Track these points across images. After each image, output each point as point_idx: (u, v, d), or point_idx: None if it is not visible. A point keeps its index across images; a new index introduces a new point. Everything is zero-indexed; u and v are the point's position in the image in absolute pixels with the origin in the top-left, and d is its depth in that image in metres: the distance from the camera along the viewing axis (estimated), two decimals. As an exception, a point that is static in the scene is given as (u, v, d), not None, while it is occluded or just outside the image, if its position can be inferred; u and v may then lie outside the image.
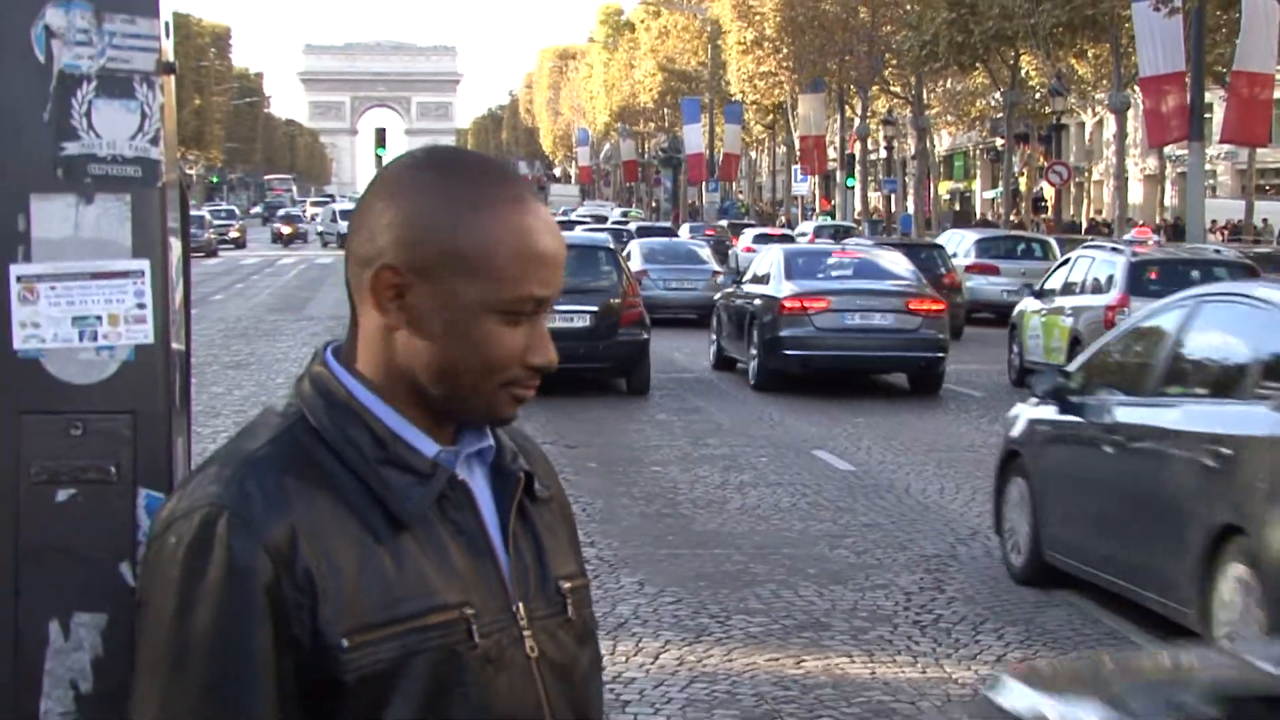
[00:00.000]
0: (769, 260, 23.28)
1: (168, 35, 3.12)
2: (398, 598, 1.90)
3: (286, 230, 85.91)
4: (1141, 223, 53.12)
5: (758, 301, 21.61)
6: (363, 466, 1.93)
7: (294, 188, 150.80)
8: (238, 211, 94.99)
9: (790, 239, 44.66)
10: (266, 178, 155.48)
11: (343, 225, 76.85)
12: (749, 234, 51.10)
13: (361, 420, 1.96)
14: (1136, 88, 41.16)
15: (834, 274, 22.21)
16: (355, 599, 1.87)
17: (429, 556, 1.93)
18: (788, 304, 20.84)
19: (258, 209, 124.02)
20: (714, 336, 24.37)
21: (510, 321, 1.94)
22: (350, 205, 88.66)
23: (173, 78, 3.15)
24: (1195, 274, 19.64)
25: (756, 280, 22.88)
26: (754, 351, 21.26)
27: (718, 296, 25.57)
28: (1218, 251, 25.89)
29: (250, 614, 1.84)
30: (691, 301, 31.02)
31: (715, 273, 32.45)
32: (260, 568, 1.84)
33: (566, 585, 2.08)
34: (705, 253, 35.66)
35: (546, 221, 1.97)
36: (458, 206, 1.94)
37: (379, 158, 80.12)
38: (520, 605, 2.00)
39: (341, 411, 1.96)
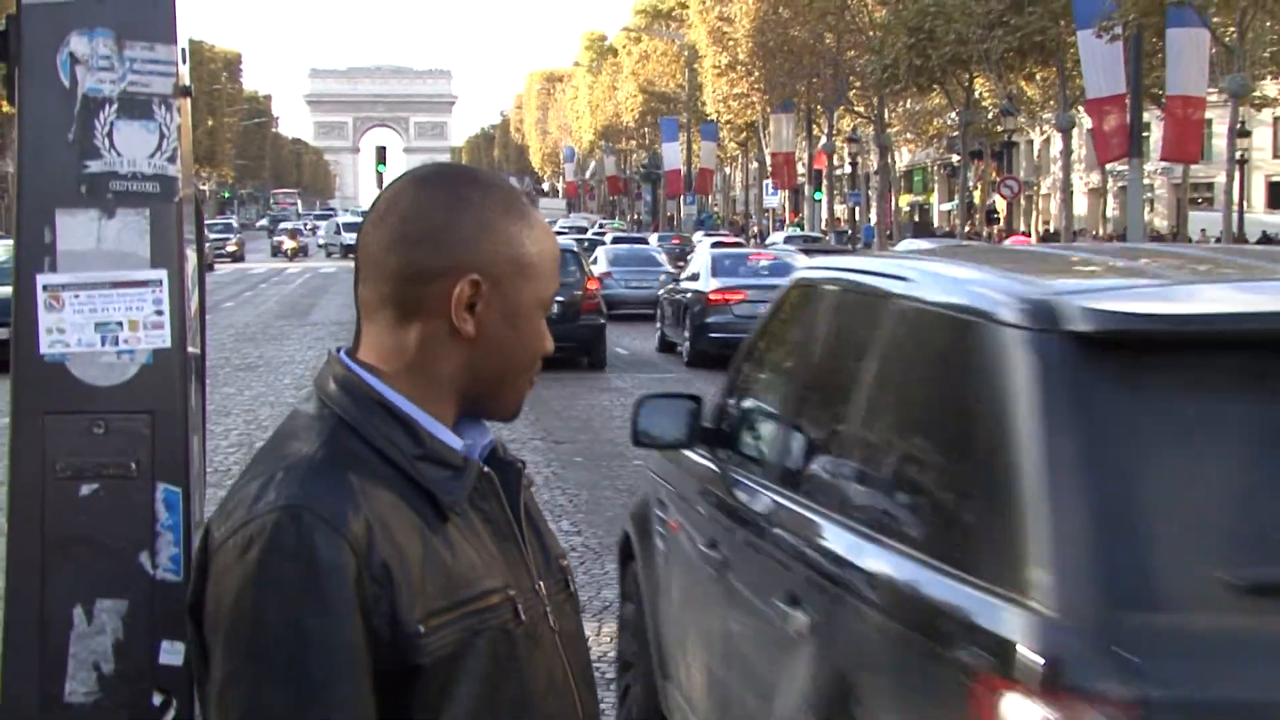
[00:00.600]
0: (700, 261, 26.73)
1: (184, 61, 3.11)
2: (457, 584, 1.87)
3: (290, 245, 72.47)
4: (1024, 231, 53.88)
5: (689, 295, 24.48)
6: (404, 463, 1.90)
7: (299, 202, 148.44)
8: (235, 224, 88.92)
9: (741, 245, 45.74)
10: (272, 192, 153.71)
11: (346, 237, 76.33)
12: (707, 241, 51.75)
13: (396, 419, 1.93)
14: (1081, 108, 41.28)
15: (752, 272, 25.08)
16: (422, 587, 1.84)
17: (471, 543, 1.92)
18: (712, 296, 23.68)
19: (263, 222, 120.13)
20: (658, 325, 27.19)
21: (543, 317, 2.00)
22: (353, 218, 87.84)
23: (189, 100, 3.15)
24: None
25: (690, 278, 25.89)
26: (686, 335, 24.08)
27: (661, 292, 28.43)
28: None
29: (344, 609, 1.79)
30: (647, 298, 32.90)
31: (669, 274, 33.84)
32: (346, 563, 1.79)
33: (563, 563, 2.10)
34: (662, 257, 38.39)
35: (549, 228, 2.03)
36: (513, 219, 1.96)
37: (379, 174, 79.38)
38: (540, 584, 2.00)
39: (374, 412, 1.93)
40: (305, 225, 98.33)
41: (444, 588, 1.86)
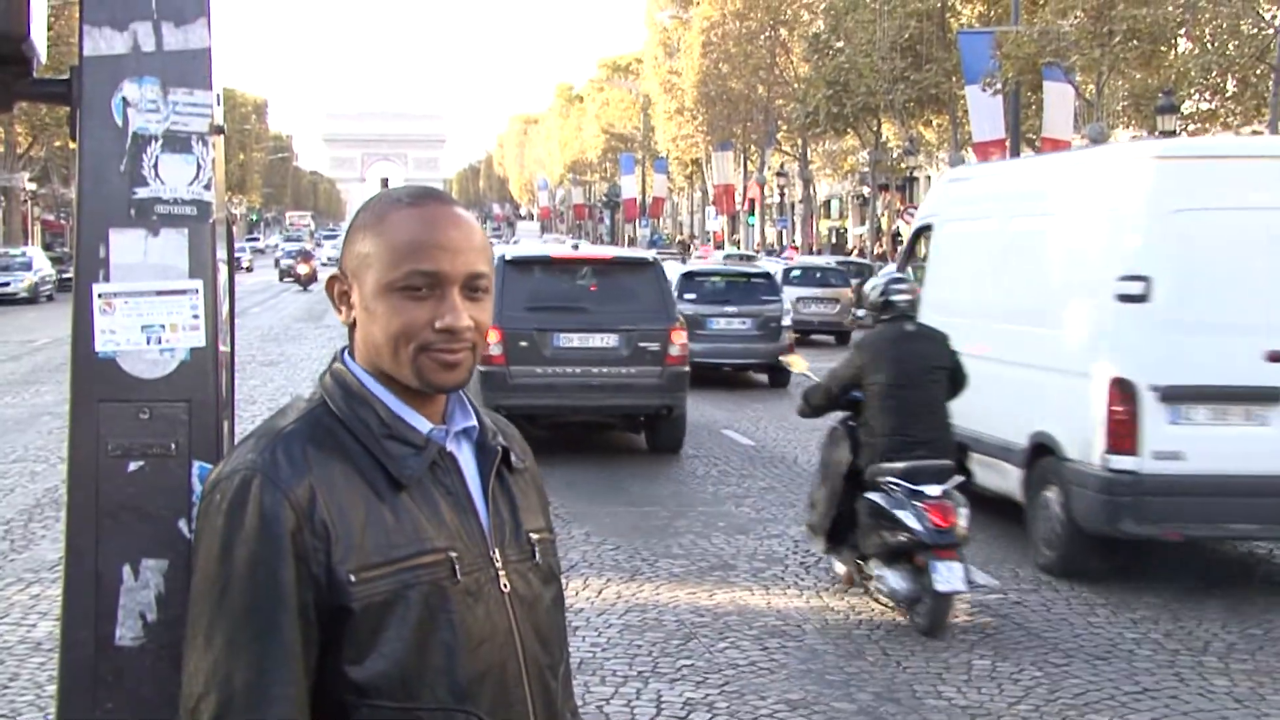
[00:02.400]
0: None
1: (218, 104, 3.10)
2: (395, 543, 1.90)
3: (303, 270, 53.33)
4: (795, 244, 55.46)
5: None
6: (370, 440, 1.94)
7: (312, 223, 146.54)
8: (247, 247, 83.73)
9: (684, 261, 45.38)
10: (287, 214, 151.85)
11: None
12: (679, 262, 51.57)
13: (369, 404, 1.97)
14: (970, 149, 41.48)
15: (705, 292, 21.60)
16: (361, 544, 1.87)
17: (423, 511, 1.93)
18: None
19: (274, 240, 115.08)
20: None
21: (410, 297, 1.92)
22: None
23: (222, 137, 3.13)
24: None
25: None
26: None
27: None
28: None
29: (279, 554, 1.84)
30: None
31: None
32: (285, 517, 1.84)
33: (535, 537, 2.08)
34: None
35: (443, 217, 1.95)
36: (366, 223, 1.98)
37: None
38: (496, 551, 2.00)
39: (354, 398, 1.97)
40: (313, 242, 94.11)
41: (381, 546, 1.88)
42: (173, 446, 2.91)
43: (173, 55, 3.00)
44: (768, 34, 61.35)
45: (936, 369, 8.41)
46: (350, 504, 1.88)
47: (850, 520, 8.38)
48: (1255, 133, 34.99)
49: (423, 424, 1.97)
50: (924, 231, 12.57)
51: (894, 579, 8.01)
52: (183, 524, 2.88)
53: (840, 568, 8.92)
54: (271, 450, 1.89)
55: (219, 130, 3.09)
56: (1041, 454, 9.56)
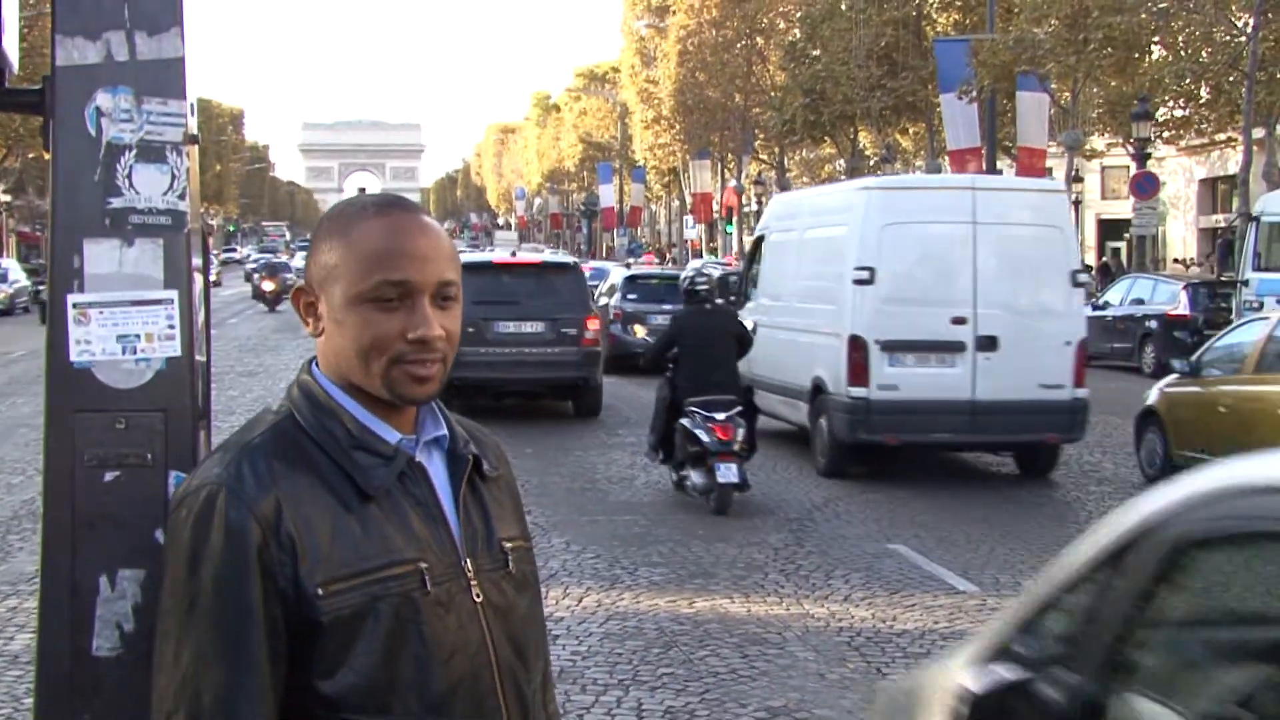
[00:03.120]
0: (611, 282, 27.29)
1: (192, 114, 3.10)
2: (363, 555, 1.88)
3: (269, 286, 44.74)
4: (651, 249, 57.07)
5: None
6: (337, 452, 1.92)
7: (287, 234, 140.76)
8: (215, 256, 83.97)
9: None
10: (263, 224, 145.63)
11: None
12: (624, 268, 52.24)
13: (336, 415, 1.95)
14: (945, 157, 41.61)
15: (659, 294, 24.12)
16: (329, 556, 1.86)
17: (392, 523, 1.92)
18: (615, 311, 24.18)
19: (248, 252, 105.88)
20: None
21: (380, 308, 1.91)
22: None
23: (196, 147, 3.13)
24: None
25: (605, 294, 25.92)
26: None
27: None
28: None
29: (245, 569, 1.82)
30: None
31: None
32: (251, 531, 1.83)
33: (509, 545, 2.06)
34: None
35: (408, 226, 1.93)
36: (331, 233, 1.96)
37: None
38: (468, 560, 1.98)
39: (321, 409, 1.96)
40: (289, 253, 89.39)
41: (350, 558, 1.87)
42: (149, 456, 2.91)
43: (146, 65, 2.99)
44: (744, 42, 61.46)
45: (726, 335, 12.09)
46: (317, 517, 1.87)
47: (671, 439, 11.99)
48: (1230, 139, 35.21)
49: (391, 434, 1.96)
50: (760, 240, 16.49)
51: (695, 476, 11.62)
52: (159, 534, 2.87)
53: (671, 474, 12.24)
54: (237, 465, 1.88)
55: (193, 140, 3.08)
56: (817, 392, 13.61)
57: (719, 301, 13.27)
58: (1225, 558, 2.58)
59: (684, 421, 11.62)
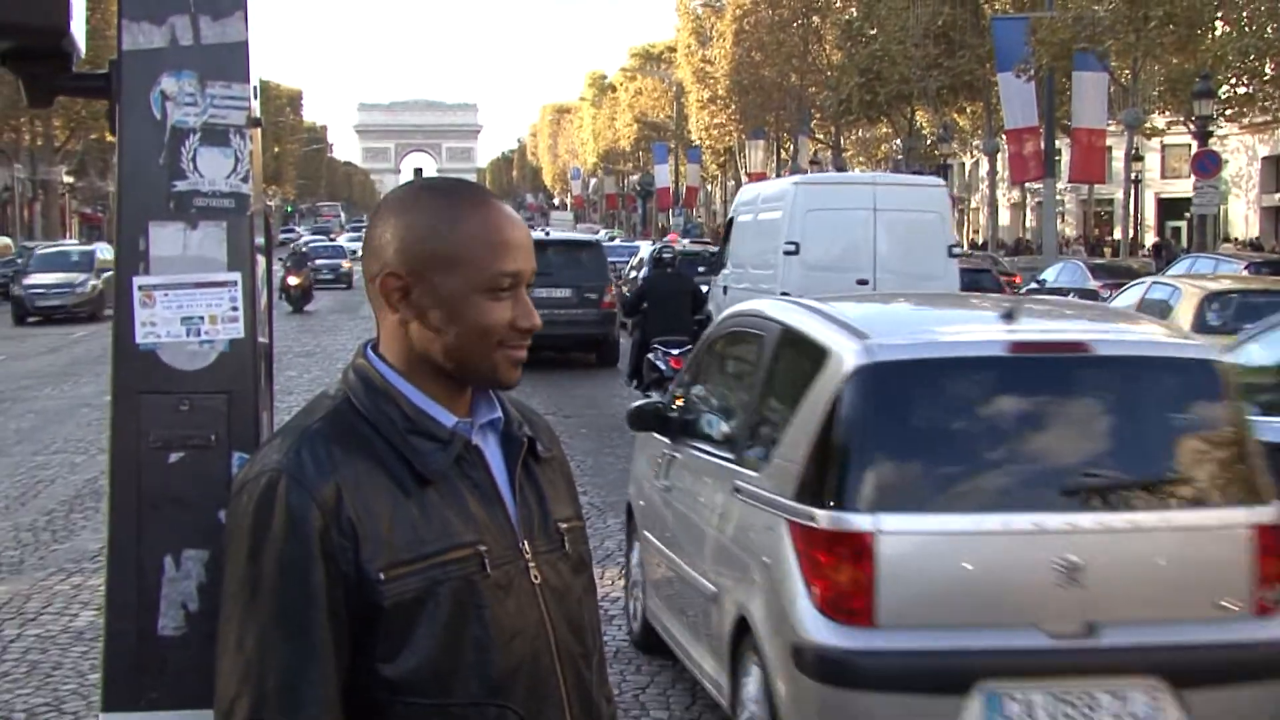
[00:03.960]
0: (641, 256, 30.86)
1: (255, 97, 3.11)
2: (423, 539, 1.88)
3: (294, 281, 34.87)
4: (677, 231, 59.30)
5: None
6: (395, 436, 1.92)
7: (342, 214, 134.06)
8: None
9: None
10: (317, 204, 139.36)
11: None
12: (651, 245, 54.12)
13: (393, 400, 1.95)
14: (1004, 136, 41.28)
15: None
16: (389, 541, 1.86)
17: (450, 506, 1.92)
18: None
19: (301, 230, 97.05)
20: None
21: (494, 297, 1.93)
22: None
23: (259, 130, 3.14)
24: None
25: (634, 268, 30.12)
26: None
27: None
28: None
29: (307, 554, 1.83)
30: None
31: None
32: (313, 517, 1.83)
33: (564, 526, 2.06)
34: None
35: (509, 217, 1.96)
36: (436, 217, 1.94)
37: None
38: (525, 543, 1.98)
39: (378, 393, 1.95)
40: (342, 232, 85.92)
41: (410, 542, 1.87)
42: (212, 438, 2.93)
43: (210, 49, 3.01)
44: (800, 22, 61.16)
45: (682, 293, 16.77)
46: (377, 501, 1.87)
47: (641, 369, 15.99)
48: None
49: (448, 418, 1.96)
50: (731, 221, 19.85)
51: (657, 397, 13.55)
52: (223, 515, 2.90)
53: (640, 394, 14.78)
54: (296, 450, 1.88)
55: (256, 123, 3.10)
56: None
57: (677, 268, 18.63)
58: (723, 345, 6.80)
59: (650, 355, 15.71)
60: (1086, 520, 4.74)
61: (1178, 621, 4.82)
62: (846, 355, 4.94)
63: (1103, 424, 5.03)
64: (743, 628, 5.23)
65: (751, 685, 5.15)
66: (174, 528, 2.88)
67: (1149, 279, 17.66)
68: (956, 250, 17.26)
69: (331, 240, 56.04)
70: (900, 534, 4.71)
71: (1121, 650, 4.71)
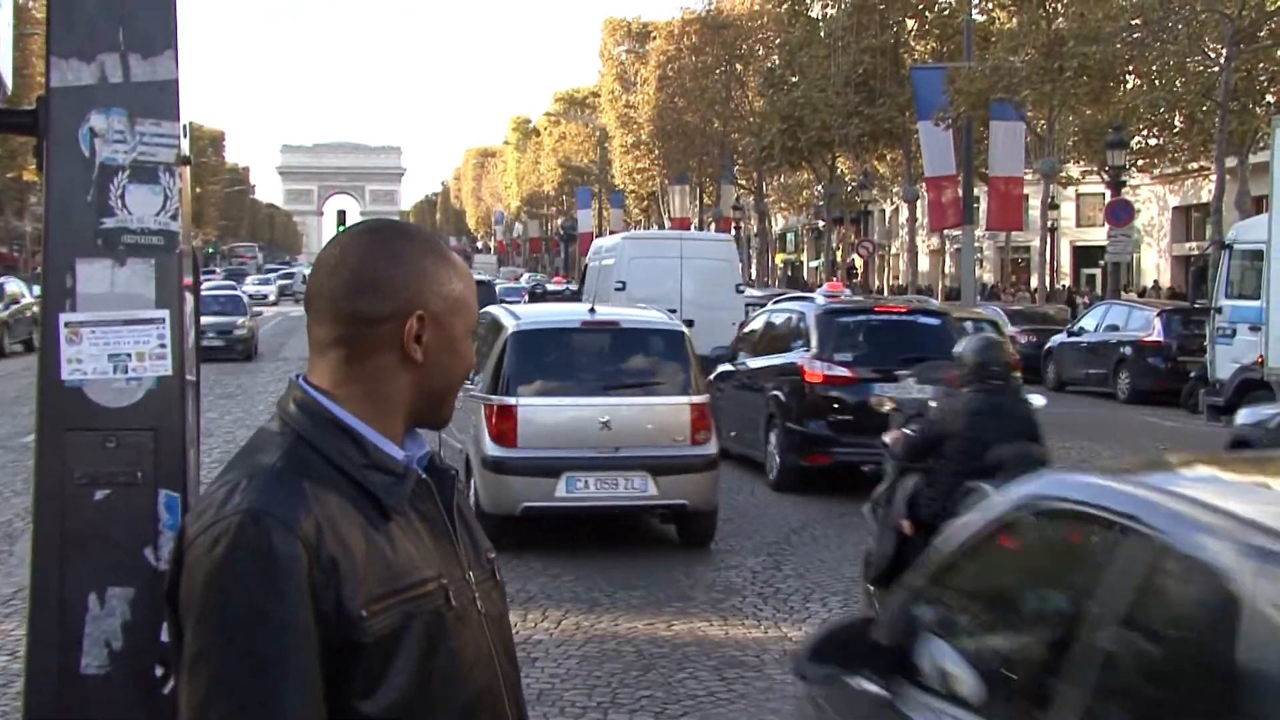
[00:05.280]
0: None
1: (185, 135, 3.11)
2: (396, 574, 1.88)
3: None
4: (841, 279, 56.71)
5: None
6: (353, 470, 1.91)
7: (259, 255, 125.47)
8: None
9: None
10: (232, 245, 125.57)
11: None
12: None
13: (345, 434, 1.93)
14: (923, 184, 41.83)
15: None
16: (366, 576, 1.84)
17: (410, 539, 1.93)
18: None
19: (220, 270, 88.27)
20: None
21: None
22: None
23: (188, 168, 3.14)
24: None
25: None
26: None
27: None
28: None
29: (295, 596, 1.79)
30: None
31: None
32: (299, 557, 1.79)
33: (491, 555, 2.10)
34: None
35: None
36: (441, 265, 1.99)
37: (341, 235, 76.80)
38: (470, 574, 2.01)
39: (327, 428, 1.93)
40: (254, 279, 78.14)
41: (384, 577, 1.86)
42: (139, 475, 2.91)
43: (140, 86, 3.00)
44: (723, 69, 61.71)
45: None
46: (352, 536, 1.85)
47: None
48: (1203, 167, 35.53)
49: (397, 452, 1.97)
50: (587, 267, 25.10)
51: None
52: (149, 552, 2.88)
53: None
54: (269, 488, 1.84)
55: (186, 160, 3.10)
56: None
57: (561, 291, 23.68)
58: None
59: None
60: (612, 400, 10.91)
61: (656, 446, 10.88)
62: (510, 326, 11.06)
63: (626, 357, 11.43)
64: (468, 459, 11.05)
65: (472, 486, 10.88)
66: (99, 565, 2.85)
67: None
68: (742, 288, 23.68)
69: (230, 289, 39.84)
70: (528, 405, 10.72)
71: (629, 458, 10.74)
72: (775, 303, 20.77)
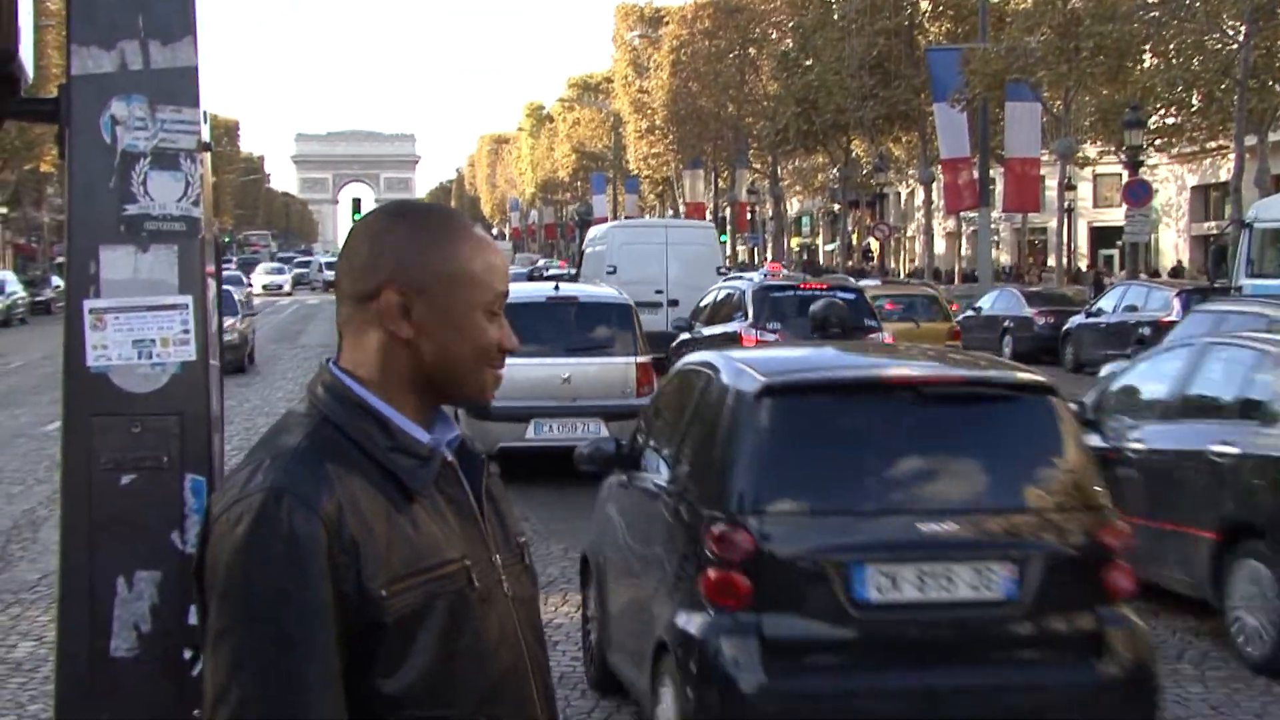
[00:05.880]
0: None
1: (205, 121, 3.12)
2: (419, 554, 1.89)
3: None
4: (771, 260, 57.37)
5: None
6: (378, 453, 1.92)
7: (272, 243, 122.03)
8: None
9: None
10: (245, 233, 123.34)
11: (327, 274, 75.22)
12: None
13: (372, 417, 1.95)
14: (939, 166, 41.73)
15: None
16: (388, 557, 1.86)
17: (435, 521, 1.94)
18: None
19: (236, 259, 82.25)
20: None
21: (489, 317, 1.97)
22: (332, 259, 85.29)
23: (209, 154, 3.15)
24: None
25: None
26: None
27: None
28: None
29: (316, 574, 1.80)
30: None
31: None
32: (319, 536, 1.81)
33: (520, 539, 2.11)
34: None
35: (491, 243, 2.03)
36: (435, 235, 1.98)
37: (355, 222, 76.32)
38: (497, 556, 2.02)
39: (355, 410, 1.95)
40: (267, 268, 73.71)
41: (407, 558, 1.87)
42: (165, 459, 2.93)
43: (160, 73, 3.02)
44: (736, 52, 61.61)
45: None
46: (374, 517, 1.87)
47: None
48: (1221, 146, 35.38)
49: (424, 435, 1.98)
50: (583, 251, 26.96)
51: None
52: (175, 536, 2.90)
53: None
54: (292, 469, 1.85)
55: (206, 147, 3.11)
56: None
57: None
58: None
59: None
60: (572, 360, 13.39)
61: (608, 397, 13.25)
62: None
63: (583, 327, 13.70)
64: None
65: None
66: (126, 549, 2.88)
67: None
68: (723, 270, 25.81)
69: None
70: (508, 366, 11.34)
71: (586, 407, 13.28)
72: (724, 281, 22.27)
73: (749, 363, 5.97)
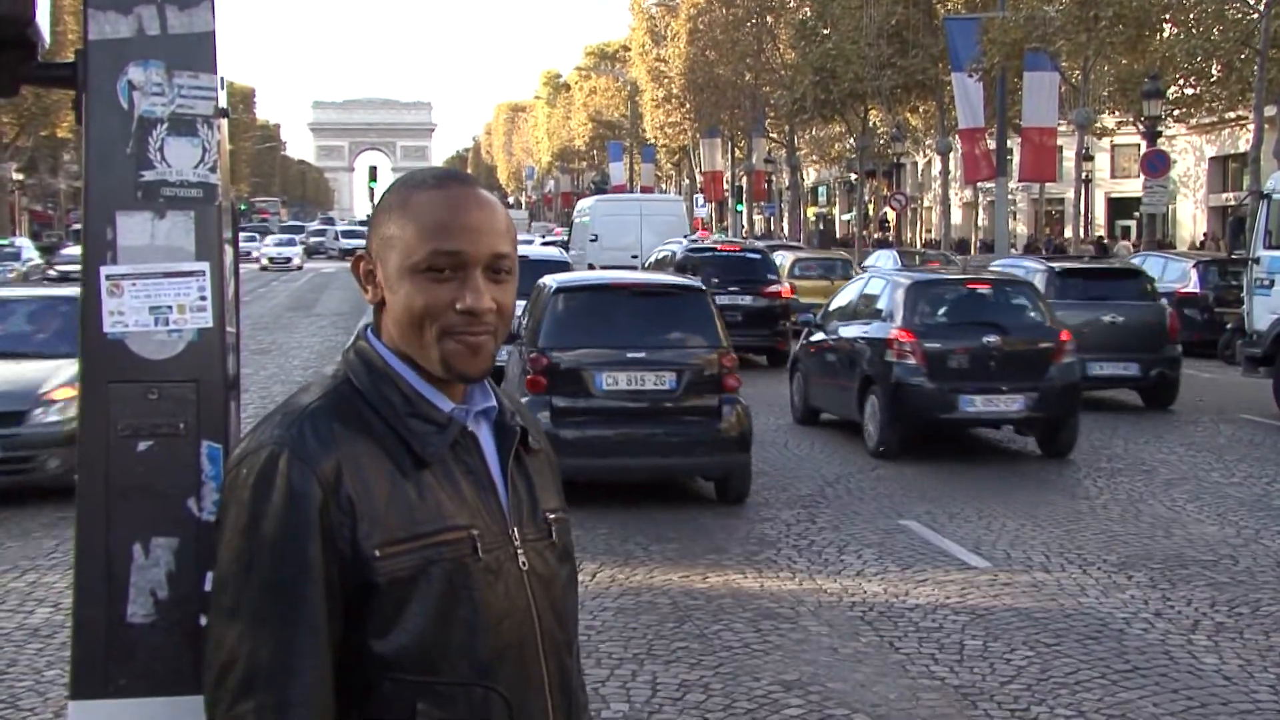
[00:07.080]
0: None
1: (222, 87, 3.11)
2: (418, 520, 1.90)
3: None
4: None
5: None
6: (394, 418, 1.94)
7: (281, 210, 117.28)
8: None
9: None
10: (253, 200, 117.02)
11: (344, 242, 75.36)
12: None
13: (392, 381, 1.97)
14: (956, 136, 41.52)
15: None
16: (385, 519, 1.88)
17: (444, 489, 1.94)
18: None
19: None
20: None
21: (435, 279, 1.92)
22: (350, 226, 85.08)
23: (226, 120, 3.14)
24: None
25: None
26: None
27: None
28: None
29: (306, 528, 1.84)
30: None
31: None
32: (313, 493, 1.85)
33: (551, 516, 2.09)
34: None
35: (469, 199, 1.95)
36: (391, 204, 1.99)
37: (371, 189, 75.50)
38: (515, 530, 2.01)
39: (378, 375, 1.97)
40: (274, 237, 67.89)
41: (406, 522, 1.89)
42: (181, 426, 2.93)
43: (177, 38, 3.00)
44: (754, 21, 61.30)
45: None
46: (375, 480, 1.89)
47: None
48: (1240, 117, 35.14)
49: (445, 403, 1.98)
50: (572, 223, 31.20)
51: None
52: (191, 503, 2.91)
53: None
54: (299, 426, 1.90)
55: (224, 113, 3.10)
56: None
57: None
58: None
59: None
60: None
61: None
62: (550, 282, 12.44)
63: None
64: None
65: None
66: (143, 516, 2.88)
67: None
68: (691, 237, 28.25)
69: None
70: None
71: None
72: (662, 244, 26.47)
73: (557, 278, 11.96)
